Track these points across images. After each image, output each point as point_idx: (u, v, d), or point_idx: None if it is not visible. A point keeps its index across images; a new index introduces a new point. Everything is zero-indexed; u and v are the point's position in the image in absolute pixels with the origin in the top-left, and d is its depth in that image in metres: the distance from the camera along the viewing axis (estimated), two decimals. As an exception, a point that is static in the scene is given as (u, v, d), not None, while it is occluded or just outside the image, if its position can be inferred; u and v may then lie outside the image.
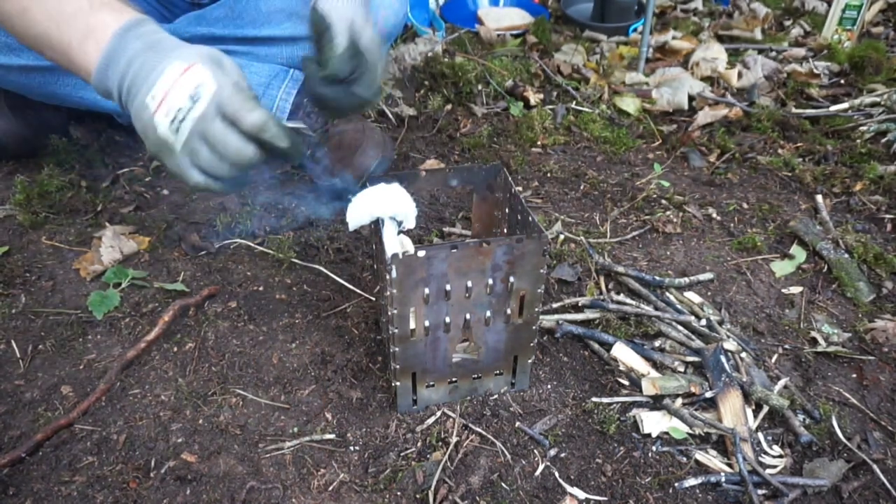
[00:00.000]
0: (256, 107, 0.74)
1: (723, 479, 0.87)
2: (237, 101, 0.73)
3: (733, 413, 0.94)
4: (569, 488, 0.86)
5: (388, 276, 0.80)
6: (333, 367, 1.01)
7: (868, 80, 1.90)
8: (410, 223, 0.87)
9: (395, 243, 0.83)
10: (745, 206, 1.43)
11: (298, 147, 0.78)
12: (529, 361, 0.95)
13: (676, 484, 0.87)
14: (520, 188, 1.46)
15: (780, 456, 0.92)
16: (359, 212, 0.87)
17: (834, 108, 1.75)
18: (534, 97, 1.75)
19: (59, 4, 0.80)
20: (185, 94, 0.73)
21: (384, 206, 0.86)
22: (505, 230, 1.05)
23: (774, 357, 1.07)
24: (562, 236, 1.30)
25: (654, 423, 0.94)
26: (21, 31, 0.84)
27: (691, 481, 0.87)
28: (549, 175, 1.51)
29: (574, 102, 1.77)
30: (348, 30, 0.90)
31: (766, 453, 0.92)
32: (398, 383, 0.91)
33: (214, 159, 0.75)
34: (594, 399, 0.98)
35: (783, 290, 1.21)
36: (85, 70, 0.79)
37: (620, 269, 1.19)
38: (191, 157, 0.75)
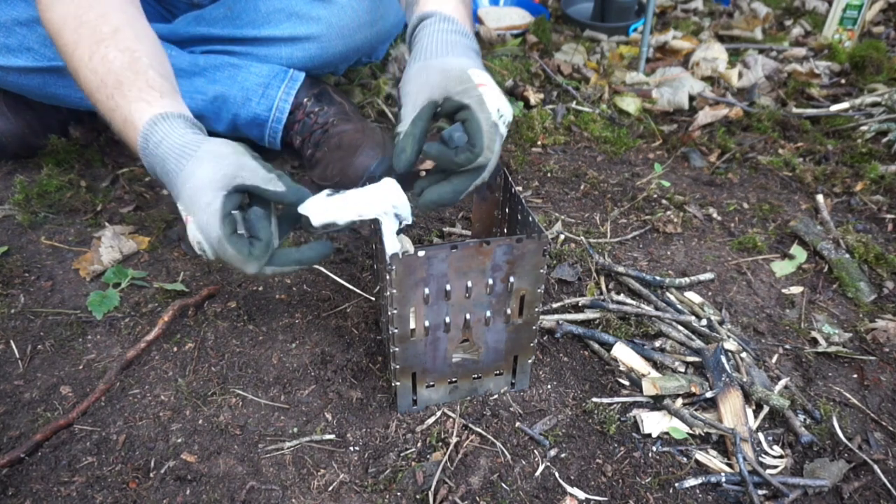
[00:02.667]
0: (248, 260, 0.78)
1: (723, 480, 0.87)
2: (230, 257, 0.78)
3: (734, 413, 0.94)
4: (569, 488, 0.86)
5: (388, 276, 0.80)
6: (333, 367, 1.01)
7: (869, 80, 1.90)
8: (408, 219, 0.86)
9: (395, 243, 0.83)
10: (745, 206, 1.43)
11: (310, 259, 0.84)
12: (529, 361, 0.95)
13: (677, 484, 0.87)
14: (520, 188, 1.46)
15: (781, 456, 0.92)
16: (335, 209, 0.83)
17: (834, 107, 1.75)
18: (534, 97, 1.74)
19: (106, 100, 0.89)
20: (195, 242, 0.80)
21: (383, 203, 0.84)
22: (505, 230, 1.05)
23: (775, 357, 1.07)
24: (562, 236, 1.30)
25: (654, 423, 0.94)
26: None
27: (691, 481, 0.87)
28: (549, 175, 1.51)
29: (574, 102, 1.77)
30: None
31: (766, 453, 0.92)
32: (398, 383, 0.90)
33: None
34: (594, 399, 0.98)
35: (783, 290, 1.21)
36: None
37: (620, 269, 1.19)
38: None
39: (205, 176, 0.78)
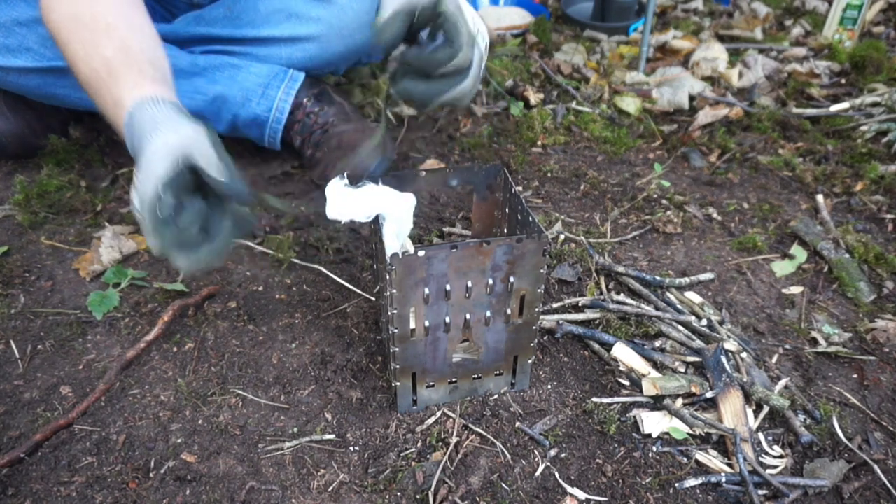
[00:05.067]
0: (156, 227, 0.76)
1: (723, 480, 0.87)
2: (148, 209, 0.76)
3: (734, 413, 0.94)
4: (569, 489, 0.86)
5: (388, 276, 0.80)
6: (333, 367, 1.01)
7: (869, 80, 1.90)
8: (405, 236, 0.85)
9: (395, 243, 0.83)
10: (745, 205, 1.43)
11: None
12: (529, 361, 0.95)
13: (677, 484, 0.87)
14: (520, 188, 1.46)
15: (781, 456, 0.92)
16: (354, 205, 0.82)
17: (834, 107, 1.75)
18: (534, 97, 1.74)
19: (99, 88, 0.90)
20: (133, 200, 0.79)
21: (391, 205, 0.84)
22: (505, 230, 1.05)
23: (775, 357, 1.07)
24: (562, 236, 1.29)
25: (654, 423, 0.94)
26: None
27: (692, 481, 0.87)
28: (549, 175, 1.51)
29: (574, 102, 1.77)
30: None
31: (766, 454, 0.92)
32: (398, 383, 0.90)
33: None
34: (594, 399, 0.98)
35: (784, 290, 1.21)
36: None
37: (621, 269, 1.19)
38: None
39: (164, 144, 0.79)
